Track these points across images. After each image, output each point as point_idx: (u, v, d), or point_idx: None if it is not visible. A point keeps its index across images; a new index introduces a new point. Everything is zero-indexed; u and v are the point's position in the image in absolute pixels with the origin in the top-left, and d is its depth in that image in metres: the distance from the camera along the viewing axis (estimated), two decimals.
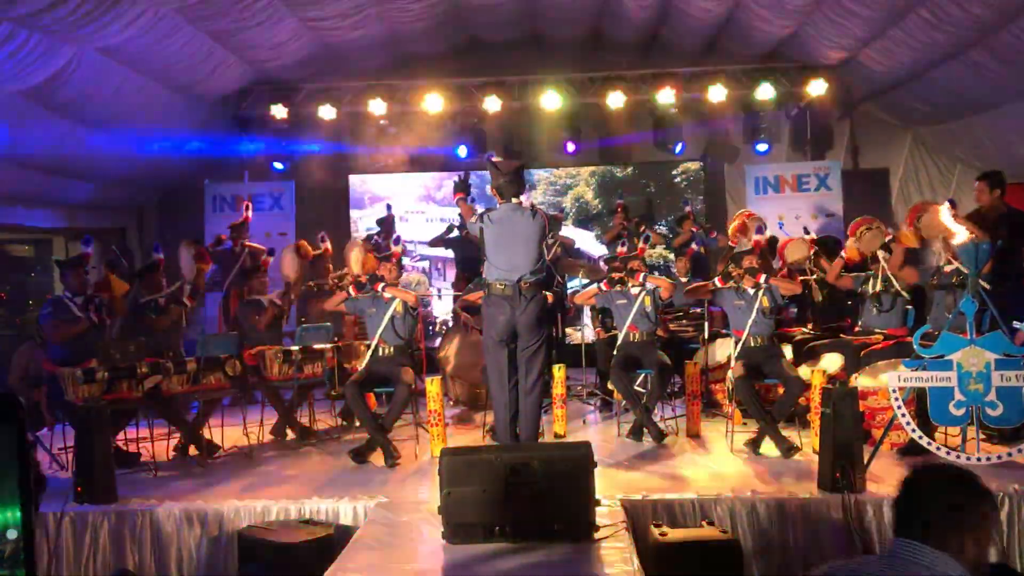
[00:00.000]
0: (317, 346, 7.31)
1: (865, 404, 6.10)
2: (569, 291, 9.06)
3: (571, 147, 11.42)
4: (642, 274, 7.12)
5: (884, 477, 5.39)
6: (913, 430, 5.48)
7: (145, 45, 7.94)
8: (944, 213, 6.45)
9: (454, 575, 4.04)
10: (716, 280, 6.99)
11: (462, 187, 6.42)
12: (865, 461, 5.26)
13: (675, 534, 4.59)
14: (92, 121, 8.76)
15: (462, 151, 11.32)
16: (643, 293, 7.07)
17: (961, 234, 6.23)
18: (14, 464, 1.48)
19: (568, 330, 9.51)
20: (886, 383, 5.68)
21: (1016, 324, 5.48)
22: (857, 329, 7.20)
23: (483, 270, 6.00)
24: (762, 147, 11.18)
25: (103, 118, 8.83)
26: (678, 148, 11.45)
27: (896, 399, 5.46)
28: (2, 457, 1.47)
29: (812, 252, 8.04)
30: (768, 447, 6.30)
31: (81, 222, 10.60)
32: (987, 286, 5.76)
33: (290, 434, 7.33)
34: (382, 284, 6.79)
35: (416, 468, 6.25)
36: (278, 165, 11.49)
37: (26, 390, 8.71)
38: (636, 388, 7.26)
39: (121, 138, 9.57)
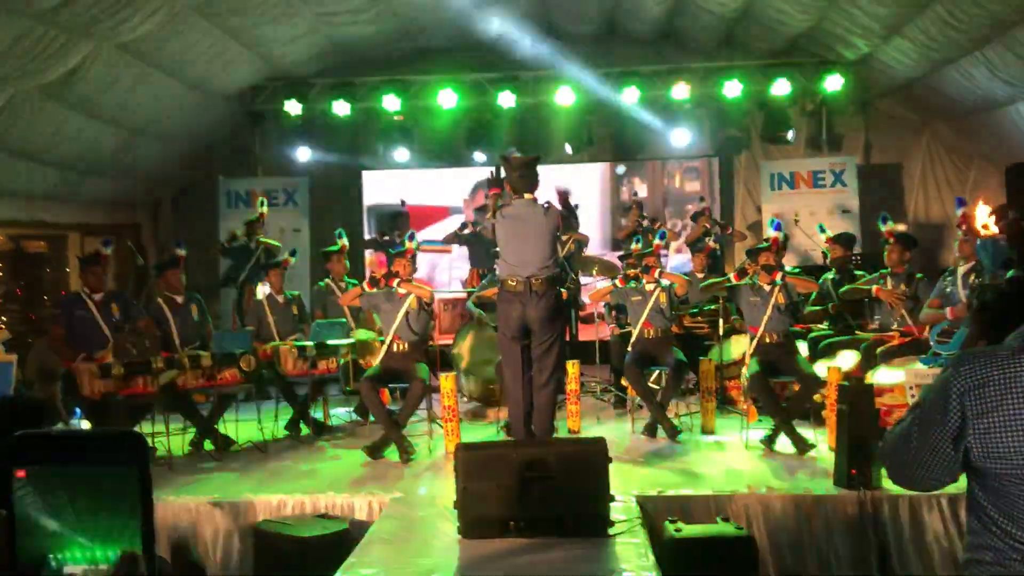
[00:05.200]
0: (332, 342, 7.32)
1: (881, 401, 6.06)
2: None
3: (569, 149, 11.40)
4: (657, 270, 7.11)
5: None
6: None
7: (160, 41, 7.97)
8: (981, 208, 6.33)
9: (469, 570, 4.04)
10: (732, 276, 6.96)
11: (497, 182, 6.30)
12: None
13: (690, 530, 4.58)
14: (108, 117, 8.80)
15: (479, 156, 11.29)
16: (658, 290, 7.05)
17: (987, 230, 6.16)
18: (138, 508, 1.39)
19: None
20: (903, 380, 5.65)
21: None
22: (873, 327, 7.16)
23: (497, 266, 5.99)
24: (790, 135, 11.05)
25: (119, 114, 8.87)
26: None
27: (912, 396, 5.42)
28: (126, 499, 1.37)
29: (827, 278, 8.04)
30: (783, 444, 6.27)
31: (96, 218, 10.65)
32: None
33: (304, 429, 7.34)
34: (396, 280, 6.78)
35: (430, 464, 6.26)
36: (293, 161, 11.50)
37: (41, 385, 8.77)
38: (650, 385, 7.26)
39: (136, 134, 9.62)
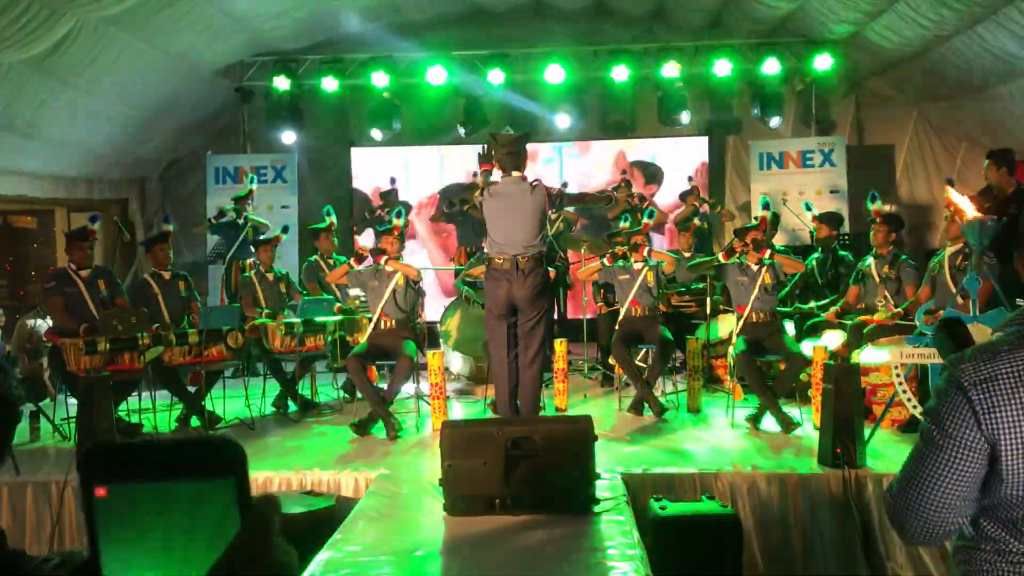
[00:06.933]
0: (319, 319, 7.31)
1: (867, 380, 6.10)
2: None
3: (568, 121, 11.32)
4: (645, 249, 7.11)
5: (884, 453, 5.40)
6: (914, 407, 5.48)
7: (146, 14, 7.89)
8: (953, 192, 6.40)
9: (454, 547, 4.05)
10: (720, 255, 6.97)
11: (487, 158, 6.24)
12: (865, 437, 5.27)
13: (675, 508, 4.60)
14: (94, 91, 8.72)
15: (460, 131, 11.27)
16: (646, 268, 7.05)
17: (968, 212, 6.19)
18: (235, 526, 1.15)
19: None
20: (888, 360, 5.67)
21: (1020, 301, 5.45)
22: (860, 307, 7.19)
23: (484, 244, 5.98)
24: (774, 121, 11.04)
25: (105, 88, 8.79)
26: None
27: (897, 376, 5.45)
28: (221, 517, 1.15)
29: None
30: (769, 423, 6.30)
31: (83, 194, 10.58)
32: (993, 261, 5.73)
33: (292, 406, 7.34)
34: (384, 257, 6.76)
35: (417, 441, 6.27)
36: (282, 137, 11.43)
37: (27, 361, 8.75)
38: (637, 363, 7.27)
39: (123, 108, 9.55)
